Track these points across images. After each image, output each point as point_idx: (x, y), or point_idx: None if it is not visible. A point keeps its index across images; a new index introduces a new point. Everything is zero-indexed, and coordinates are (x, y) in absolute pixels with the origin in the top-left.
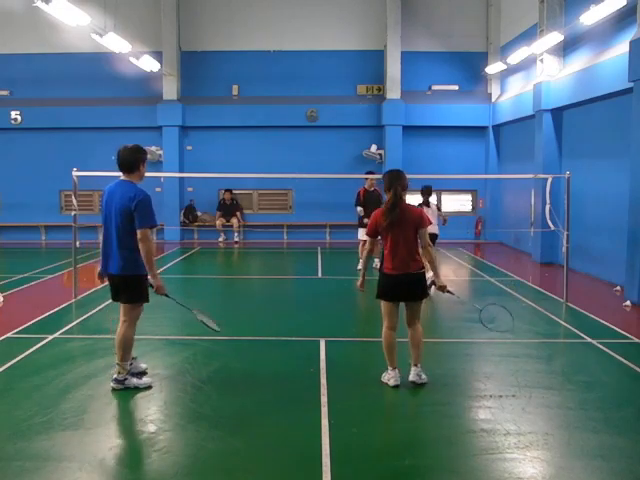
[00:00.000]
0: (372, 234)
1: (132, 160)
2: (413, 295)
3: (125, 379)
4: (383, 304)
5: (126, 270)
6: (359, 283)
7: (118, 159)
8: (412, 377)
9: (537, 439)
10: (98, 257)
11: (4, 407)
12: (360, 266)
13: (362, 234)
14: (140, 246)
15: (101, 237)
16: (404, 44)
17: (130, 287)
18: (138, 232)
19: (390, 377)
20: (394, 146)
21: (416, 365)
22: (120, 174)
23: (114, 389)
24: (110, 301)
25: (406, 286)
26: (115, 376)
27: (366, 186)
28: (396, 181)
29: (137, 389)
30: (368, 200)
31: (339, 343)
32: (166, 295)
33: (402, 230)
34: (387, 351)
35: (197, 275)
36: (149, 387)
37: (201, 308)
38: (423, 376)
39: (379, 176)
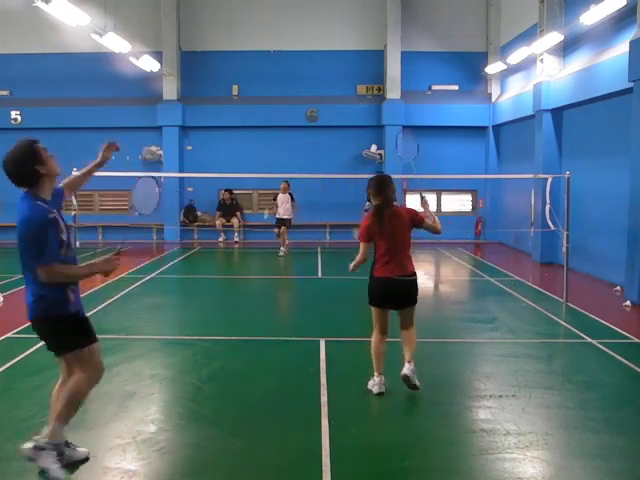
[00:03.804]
0: (366, 239)
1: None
2: (409, 299)
3: (43, 449)
4: (374, 309)
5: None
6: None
7: None
8: (405, 370)
9: (537, 439)
10: (98, 257)
11: (4, 407)
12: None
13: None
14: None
15: (103, 237)
16: (404, 44)
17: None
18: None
19: (374, 384)
20: (394, 146)
21: (410, 362)
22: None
23: (28, 458)
24: (110, 301)
25: (400, 290)
26: (38, 437)
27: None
28: (387, 186)
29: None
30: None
31: (339, 343)
32: (117, 258)
33: (396, 232)
34: (375, 357)
35: (197, 275)
36: None
37: (201, 308)
38: (416, 379)
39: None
